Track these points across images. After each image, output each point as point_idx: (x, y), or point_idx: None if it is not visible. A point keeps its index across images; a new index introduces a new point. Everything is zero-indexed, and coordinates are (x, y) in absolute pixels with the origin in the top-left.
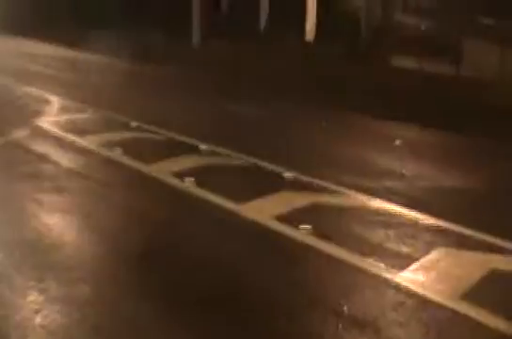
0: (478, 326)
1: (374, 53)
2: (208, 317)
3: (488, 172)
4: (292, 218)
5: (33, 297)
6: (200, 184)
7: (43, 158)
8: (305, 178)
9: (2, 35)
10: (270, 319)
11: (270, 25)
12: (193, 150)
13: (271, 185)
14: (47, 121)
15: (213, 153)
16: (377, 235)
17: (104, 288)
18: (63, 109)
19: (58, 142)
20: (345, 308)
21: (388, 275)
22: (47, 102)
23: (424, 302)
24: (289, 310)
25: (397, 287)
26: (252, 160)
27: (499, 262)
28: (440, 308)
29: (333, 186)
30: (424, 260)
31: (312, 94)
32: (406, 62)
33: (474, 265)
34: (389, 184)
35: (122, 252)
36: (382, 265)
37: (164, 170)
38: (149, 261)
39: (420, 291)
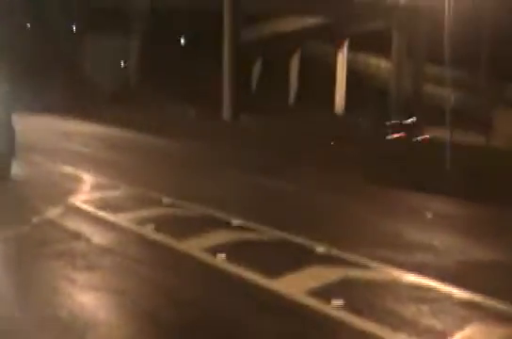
0: None
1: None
2: None
3: None
4: (324, 293)
5: None
6: (231, 259)
7: (76, 236)
8: (336, 252)
9: (35, 112)
10: None
11: (299, 100)
12: (225, 225)
13: (303, 259)
14: (80, 199)
15: (244, 228)
16: (410, 310)
17: None
18: (96, 187)
19: (91, 219)
20: None
21: None
22: (80, 179)
23: None
24: None
25: None
26: (284, 235)
27: None
28: None
29: (365, 260)
30: (459, 336)
31: (343, 169)
32: (435, 133)
33: None
34: (421, 257)
35: (156, 331)
36: None
37: (196, 247)
38: None
39: None
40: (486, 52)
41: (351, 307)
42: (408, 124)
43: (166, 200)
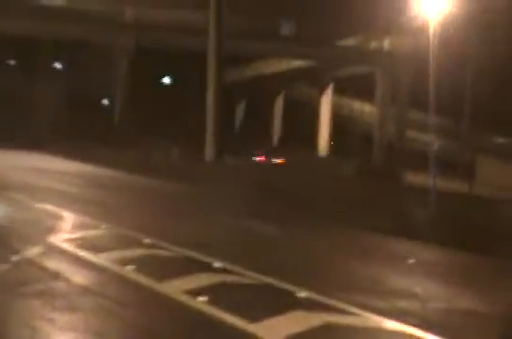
0: None
1: (386, 170)
2: None
3: (503, 295)
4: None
5: None
6: (212, 302)
7: (56, 275)
8: (318, 297)
9: (14, 150)
10: None
11: (282, 143)
12: (206, 267)
13: (284, 304)
14: (60, 238)
15: (226, 271)
16: None
17: None
18: (76, 226)
19: (71, 259)
20: None
21: None
22: (60, 218)
23: None
24: None
25: None
26: (266, 279)
27: None
28: None
29: (346, 306)
30: None
31: (326, 212)
32: (418, 179)
33: None
34: (402, 304)
35: None
36: None
37: (177, 289)
38: None
39: None
40: (469, 99)
41: None
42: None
43: (146, 240)
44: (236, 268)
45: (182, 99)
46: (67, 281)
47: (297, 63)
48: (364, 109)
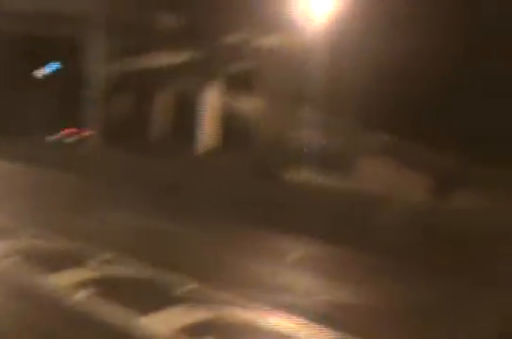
0: None
1: (268, 166)
2: None
3: (378, 288)
4: (193, 331)
5: None
6: (99, 295)
7: None
8: (207, 291)
9: None
10: None
11: (168, 138)
12: (94, 259)
13: (172, 296)
14: None
15: (114, 263)
16: None
17: None
18: None
19: None
20: None
21: None
22: None
23: None
24: None
25: None
26: (154, 271)
27: None
28: None
29: (234, 299)
30: None
31: (203, 208)
32: (301, 175)
33: None
34: (287, 298)
35: None
36: None
37: (60, 282)
38: None
39: None
40: (351, 96)
41: None
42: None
43: (32, 231)
44: (125, 260)
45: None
46: None
47: (182, 57)
48: (249, 105)
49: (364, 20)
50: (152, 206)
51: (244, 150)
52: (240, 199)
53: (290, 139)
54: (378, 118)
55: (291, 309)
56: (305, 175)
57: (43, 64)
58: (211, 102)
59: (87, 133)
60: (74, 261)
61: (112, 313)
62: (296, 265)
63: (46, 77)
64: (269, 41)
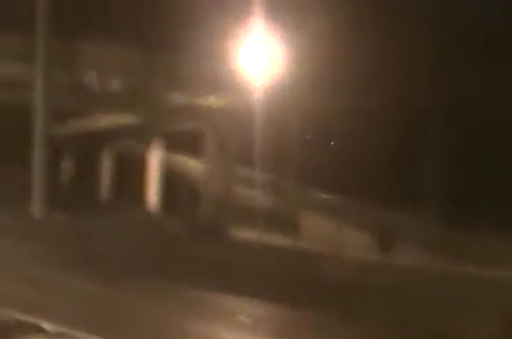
0: None
1: (213, 225)
2: None
3: None
4: None
5: None
6: None
7: None
8: None
9: None
10: None
11: (112, 198)
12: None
13: None
14: None
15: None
16: None
17: None
18: None
19: None
20: None
21: None
22: None
23: None
24: None
25: None
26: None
27: None
28: None
29: None
30: None
31: (148, 269)
32: (245, 234)
33: None
34: None
35: None
36: None
37: None
38: None
39: None
40: (294, 155)
41: None
42: None
43: None
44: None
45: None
46: None
47: (124, 118)
48: (192, 165)
49: (307, 80)
50: (94, 269)
51: (188, 209)
52: (185, 258)
53: (233, 198)
54: (322, 177)
55: None
56: (249, 233)
57: None
58: (155, 162)
59: None
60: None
61: None
62: (242, 326)
63: None
64: (212, 102)
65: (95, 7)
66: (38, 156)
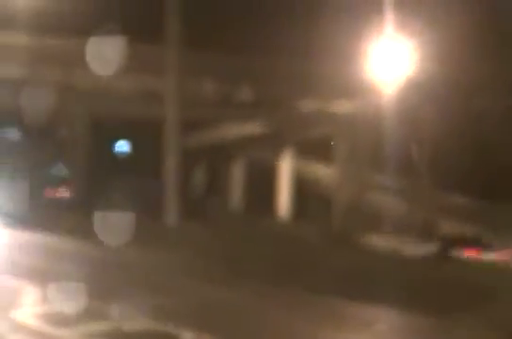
0: None
1: (346, 233)
2: None
3: None
4: None
5: None
6: None
7: None
8: None
9: None
10: None
11: (244, 206)
12: None
13: None
14: (23, 313)
15: None
16: None
17: None
18: (40, 300)
19: (36, 335)
20: None
21: None
22: (23, 292)
23: None
24: None
25: None
26: None
27: None
28: None
29: None
30: None
31: (285, 277)
32: (379, 241)
33: None
34: None
35: None
36: None
37: None
38: None
39: None
40: (426, 160)
41: None
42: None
43: (114, 312)
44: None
45: (138, 165)
46: None
47: (255, 127)
48: (323, 172)
49: (440, 82)
50: (228, 277)
51: (320, 216)
52: (318, 268)
53: (366, 205)
54: (455, 180)
55: None
56: (382, 240)
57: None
58: (286, 170)
59: None
60: None
61: None
62: (380, 335)
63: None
64: (342, 107)
65: (222, 16)
66: (170, 166)
